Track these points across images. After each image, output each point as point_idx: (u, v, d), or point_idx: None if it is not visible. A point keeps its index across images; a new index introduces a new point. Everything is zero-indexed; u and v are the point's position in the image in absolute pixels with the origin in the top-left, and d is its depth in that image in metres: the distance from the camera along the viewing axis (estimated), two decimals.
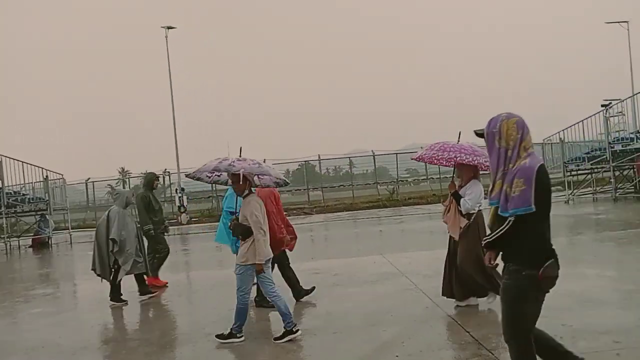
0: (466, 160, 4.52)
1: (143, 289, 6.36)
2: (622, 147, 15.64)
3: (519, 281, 2.44)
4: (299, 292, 5.55)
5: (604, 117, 16.07)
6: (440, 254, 7.96)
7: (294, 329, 4.15)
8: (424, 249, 8.55)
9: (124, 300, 6.14)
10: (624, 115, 16.25)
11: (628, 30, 28.53)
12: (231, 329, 4.24)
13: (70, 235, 16.62)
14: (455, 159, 4.61)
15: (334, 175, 32.93)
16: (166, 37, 24.08)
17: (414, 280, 6.12)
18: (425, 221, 15.00)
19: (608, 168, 16.41)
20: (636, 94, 15.70)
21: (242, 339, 4.24)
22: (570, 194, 17.44)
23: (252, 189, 4.40)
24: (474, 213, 4.57)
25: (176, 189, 22.15)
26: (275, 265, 5.35)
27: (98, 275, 6.18)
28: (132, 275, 6.29)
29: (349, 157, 28.96)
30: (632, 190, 16.74)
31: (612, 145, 15.70)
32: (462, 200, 4.57)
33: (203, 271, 8.77)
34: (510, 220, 2.40)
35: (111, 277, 6.12)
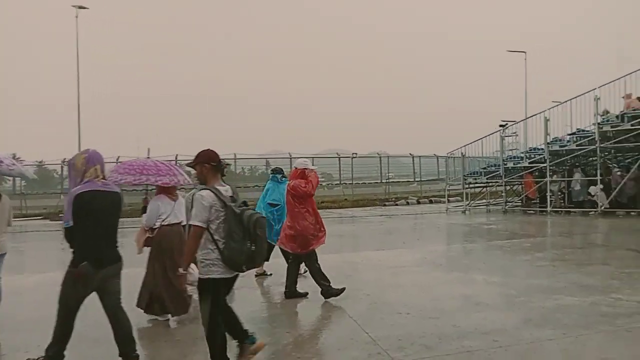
0: (154, 182, 4.77)
1: None
2: (514, 164, 17.30)
3: (66, 275, 3.28)
4: (326, 291, 5.41)
5: (500, 136, 17.69)
6: (348, 257, 8.29)
7: None
8: (333, 252, 8.77)
9: None
10: (518, 136, 18.02)
11: (525, 60, 31.73)
12: None
13: None
14: (146, 181, 4.78)
15: (250, 175, 32.58)
16: (76, 17, 22.33)
17: None
18: (335, 224, 15.37)
19: (501, 183, 18.10)
20: (529, 117, 17.46)
21: None
22: (467, 204, 18.92)
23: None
24: (156, 228, 4.75)
25: None
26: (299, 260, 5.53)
27: None
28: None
29: (266, 158, 28.87)
30: (520, 204, 18.58)
31: (505, 163, 17.32)
32: (143, 215, 4.82)
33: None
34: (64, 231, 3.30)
35: None
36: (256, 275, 6.71)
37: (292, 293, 5.49)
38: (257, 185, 28.05)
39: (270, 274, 6.65)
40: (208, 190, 3.20)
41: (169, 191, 4.84)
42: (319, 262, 5.50)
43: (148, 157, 5.40)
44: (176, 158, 25.07)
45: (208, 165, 3.32)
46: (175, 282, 4.51)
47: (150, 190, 6.17)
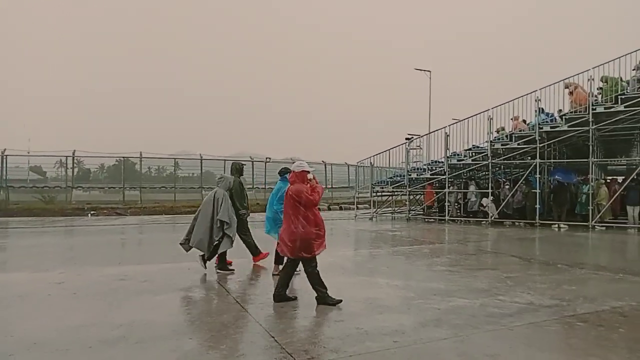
0: None
1: (223, 265, 7.26)
2: (417, 175, 18.41)
3: None
4: (322, 297, 5.29)
5: (406, 148, 18.73)
6: (262, 262, 8.23)
7: None
8: (243, 256, 8.63)
9: (232, 270, 7.19)
10: (422, 149, 19.21)
11: (430, 78, 33.98)
12: None
13: None
14: None
15: (157, 176, 31.03)
16: None
17: (227, 287, 6.12)
18: None
19: (405, 192, 19.15)
20: (432, 132, 18.70)
21: None
22: (375, 212, 19.73)
23: None
24: None
25: None
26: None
27: (184, 245, 7.16)
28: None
29: (175, 158, 27.70)
30: (421, 212, 19.80)
31: (409, 173, 18.35)
32: None
33: None
34: None
35: (210, 251, 7.07)
36: (273, 275, 6.90)
37: (280, 297, 5.35)
38: (163, 187, 26.85)
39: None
40: None
41: None
42: (317, 267, 5.38)
43: None
44: (74, 152, 23.17)
45: None
46: None
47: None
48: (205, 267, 7.14)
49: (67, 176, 23.87)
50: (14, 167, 24.11)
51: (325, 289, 5.31)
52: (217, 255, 7.26)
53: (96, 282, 6.46)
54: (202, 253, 7.14)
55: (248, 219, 7.86)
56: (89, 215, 19.86)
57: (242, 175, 8.14)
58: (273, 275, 6.89)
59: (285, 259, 5.64)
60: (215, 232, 7.04)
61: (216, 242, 7.08)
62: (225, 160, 27.13)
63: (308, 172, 5.40)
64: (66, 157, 23.34)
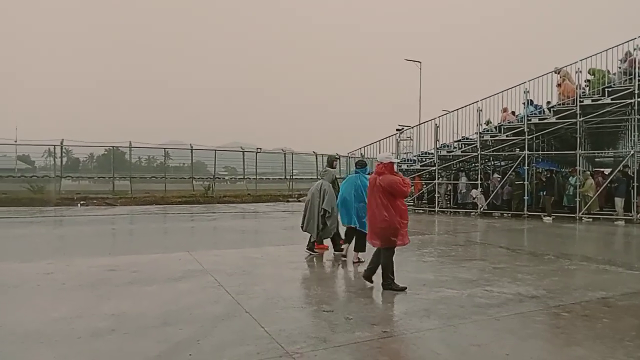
0: None
1: (337, 247, 7.97)
2: (407, 167, 18.48)
3: None
4: (389, 284, 5.57)
5: (397, 140, 18.78)
6: (249, 252, 8.24)
7: None
8: (234, 247, 8.65)
9: (317, 252, 8.07)
10: (412, 140, 19.27)
11: (420, 69, 33.97)
12: None
13: None
14: None
15: (147, 166, 30.82)
16: None
17: (218, 278, 6.14)
18: (237, 220, 15.18)
19: None
20: (422, 123, 18.77)
21: None
22: None
23: None
24: None
25: None
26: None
27: (305, 231, 8.12)
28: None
29: (165, 148, 27.50)
30: (411, 204, 19.92)
31: (400, 164, 18.42)
32: None
33: None
34: None
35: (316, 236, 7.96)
36: (354, 263, 7.22)
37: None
38: (154, 177, 26.65)
39: (363, 261, 7.06)
40: None
41: None
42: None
43: None
44: (61, 142, 22.91)
45: None
46: None
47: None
48: (314, 252, 8.00)
49: (56, 165, 23.60)
50: (1, 156, 23.83)
51: (394, 276, 5.57)
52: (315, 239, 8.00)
53: (85, 272, 6.45)
54: (309, 246, 8.08)
55: None
56: (79, 205, 19.70)
57: (334, 168, 8.70)
58: (354, 262, 7.22)
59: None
60: (321, 219, 7.85)
61: (322, 228, 7.87)
62: (215, 150, 27.01)
63: (395, 163, 5.69)
64: (54, 146, 23.06)
